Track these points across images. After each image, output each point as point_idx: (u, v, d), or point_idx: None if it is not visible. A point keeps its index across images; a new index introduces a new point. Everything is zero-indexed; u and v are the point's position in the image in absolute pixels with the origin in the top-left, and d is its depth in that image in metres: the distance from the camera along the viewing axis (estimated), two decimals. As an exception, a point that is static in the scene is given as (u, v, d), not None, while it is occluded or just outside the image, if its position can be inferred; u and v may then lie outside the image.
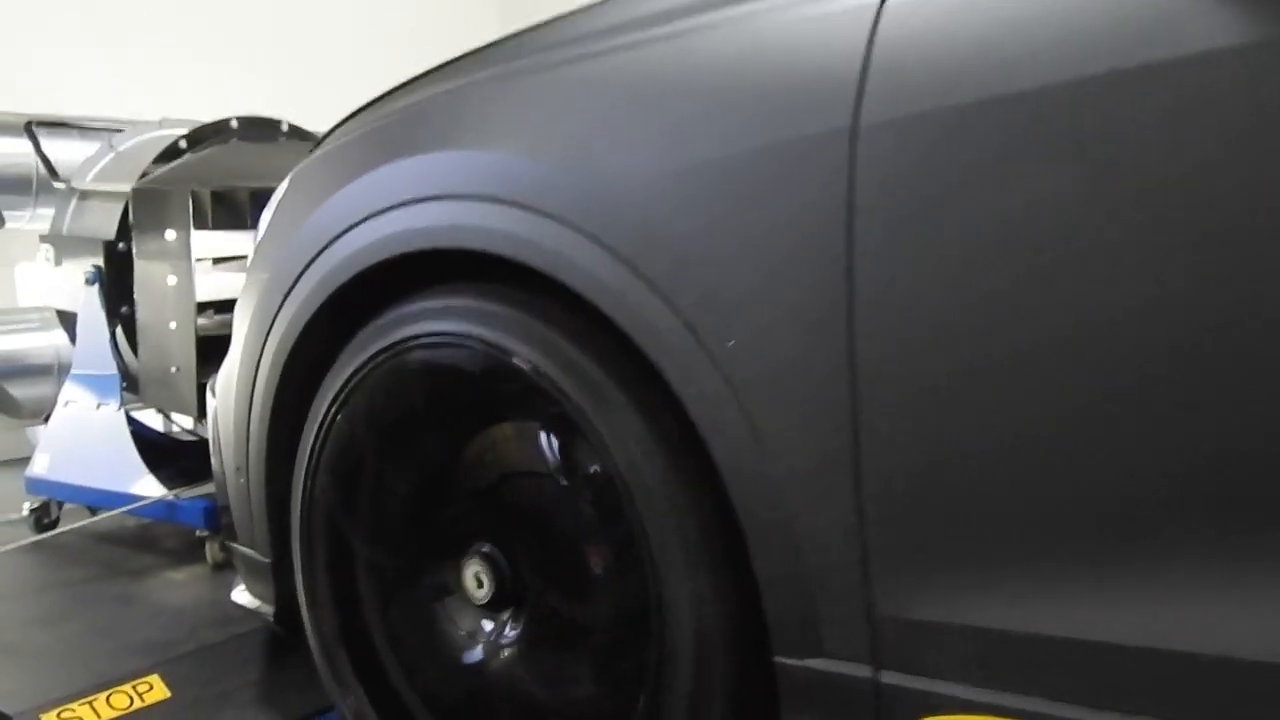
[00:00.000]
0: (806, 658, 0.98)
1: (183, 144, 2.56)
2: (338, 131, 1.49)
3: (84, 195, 2.63)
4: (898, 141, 0.88)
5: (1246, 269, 0.75)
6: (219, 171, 2.32)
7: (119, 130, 3.08)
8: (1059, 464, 0.84)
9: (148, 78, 4.23)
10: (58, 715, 1.59)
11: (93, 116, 3.64)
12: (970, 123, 0.85)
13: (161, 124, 2.98)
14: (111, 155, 2.70)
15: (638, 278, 1.01)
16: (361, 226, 1.28)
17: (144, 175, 2.49)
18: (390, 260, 1.25)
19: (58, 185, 2.76)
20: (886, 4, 0.91)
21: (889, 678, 0.94)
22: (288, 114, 3.43)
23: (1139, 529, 0.81)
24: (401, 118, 1.32)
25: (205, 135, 2.62)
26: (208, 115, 3.66)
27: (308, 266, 1.35)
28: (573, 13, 1.19)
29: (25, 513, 2.67)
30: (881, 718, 0.95)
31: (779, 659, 1.00)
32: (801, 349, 0.93)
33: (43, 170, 2.91)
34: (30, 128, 2.90)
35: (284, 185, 1.52)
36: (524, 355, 1.12)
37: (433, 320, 1.22)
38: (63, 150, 3.19)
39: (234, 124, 2.66)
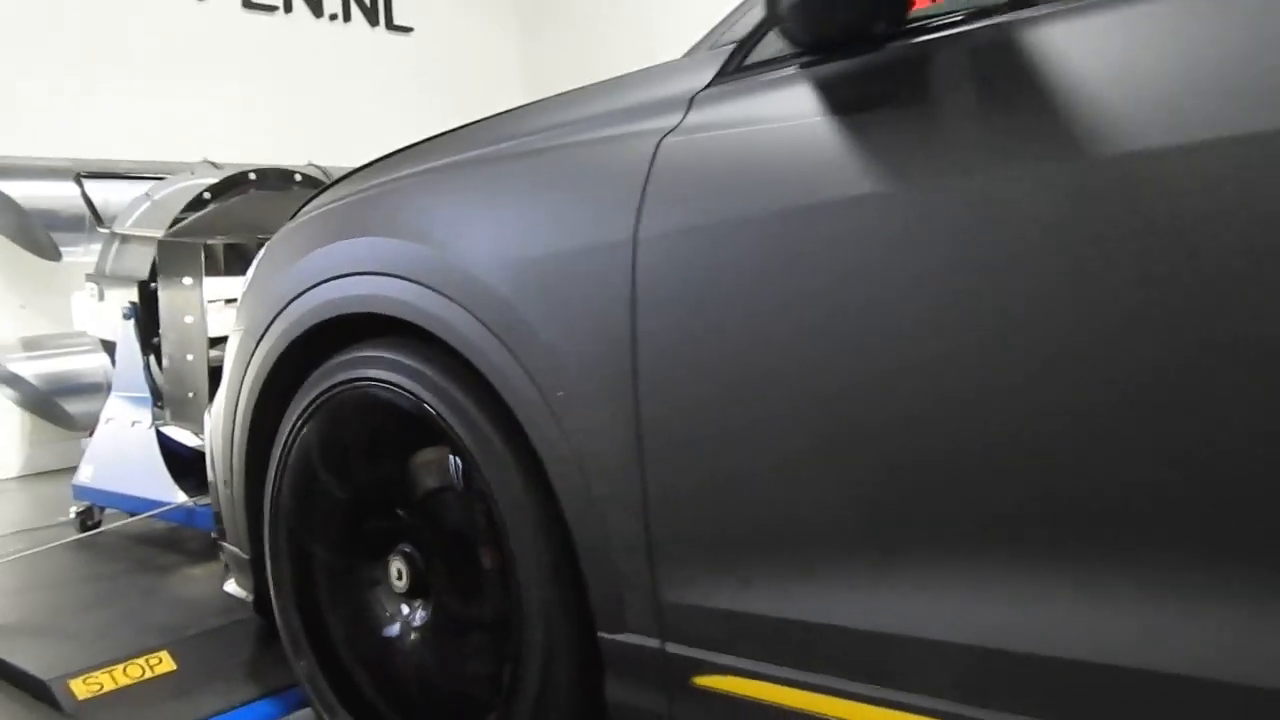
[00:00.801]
0: (617, 633, 1.29)
1: (207, 195, 2.93)
2: (301, 211, 1.83)
3: (123, 239, 3.02)
4: (665, 249, 1.19)
5: (920, 359, 1.03)
6: (233, 223, 2.69)
7: (160, 178, 3.48)
8: (779, 501, 1.14)
9: (192, 120, 4.64)
10: (83, 681, 1.95)
11: (140, 161, 4.06)
12: (722, 237, 1.15)
13: (194, 171, 3.37)
14: (148, 204, 3.09)
15: (501, 343, 1.33)
16: (311, 291, 1.62)
17: (174, 223, 2.87)
18: (333, 319, 1.58)
19: (101, 230, 3.16)
20: (663, 141, 1.22)
21: (671, 647, 1.24)
22: (327, 149, 3.83)
23: (843, 541, 1.11)
24: (343, 205, 1.66)
25: (227, 186, 2.99)
26: (250, 154, 4.09)
27: (273, 320, 1.69)
28: (455, 129, 1.51)
29: (72, 515, 3.06)
30: (667, 676, 1.26)
31: (600, 634, 1.31)
32: (604, 406, 1.23)
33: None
34: (79, 178, 3.31)
35: (261, 252, 1.86)
36: (430, 401, 1.44)
37: (365, 368, 1.54)
38: (112, 192, 3.61)
39: (252, 176, 3.02)
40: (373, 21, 5.46)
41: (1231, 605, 0.87)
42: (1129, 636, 0.92)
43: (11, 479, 4.17)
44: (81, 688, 1.94)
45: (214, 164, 4.18)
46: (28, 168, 3.77)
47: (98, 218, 3.22)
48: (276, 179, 3.09)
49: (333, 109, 5.17)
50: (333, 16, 5.30)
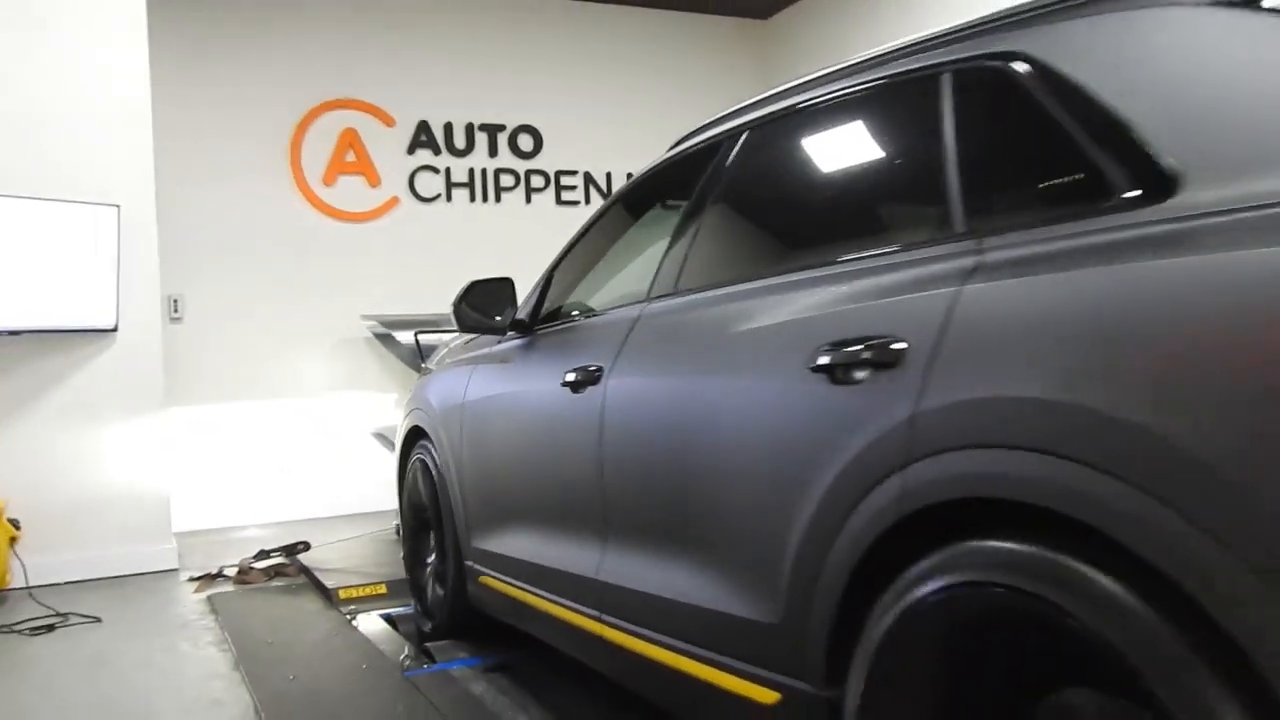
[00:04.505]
0: (466, 560, 3.19)
1: (465, 347, 5.18)
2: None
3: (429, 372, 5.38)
4: (471, 407, 3.10)
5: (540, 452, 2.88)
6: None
7: (464, 329, 5.86)
8: (495, 505, 2.99)
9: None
10: (344, 591, 4.17)
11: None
12: (483, 404, 3.06)
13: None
14: (444, 350, 5.42)
15: (438, 434, 3.32)
16: (411, 413, 3.70)
17: (448, 362, 5.16)
18: (413, 429, 3.65)
19: (423, 365, 5.56)
20: (477, 365, 3.15)
21: (475, 565, 3.12)
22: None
23: (519, 523, 2.93)
24: (433, 372, 3.74)
25: (478, 341, 5.22)
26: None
27: (403, 423, 3.80)
28: (458, 346, 3.52)
29: (394, 525, 5.43)
30: (474, 578, 3.13)
31: (463, 561, 3.22)
32: (456, 459, 3.17)
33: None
34: (416, 334, 5.77)
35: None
36: (426, 460, 3.45)
37: (417, 449, 3.59)
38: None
39: (491, 335, 5.23)
40: (649, 202, 7.66)
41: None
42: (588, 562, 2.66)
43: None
44: (344, 593, 4.16)
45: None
46: (406, 322, 6.36)
47: (422, 357, 5.64)
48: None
49: (618, 266, 7.40)
50: (619, 202, 7.58)
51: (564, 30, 7.47)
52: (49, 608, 4.19)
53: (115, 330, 4.87)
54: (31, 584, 4.54)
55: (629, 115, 7.54)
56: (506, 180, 7.27)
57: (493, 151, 7.24)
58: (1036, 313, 1.25)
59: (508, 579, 2.86)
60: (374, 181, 6.89)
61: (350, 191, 6.82)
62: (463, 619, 3.32)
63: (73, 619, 4.05)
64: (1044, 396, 1.17)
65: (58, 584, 4.66)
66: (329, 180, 6.76)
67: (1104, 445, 1.09)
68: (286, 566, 4.76)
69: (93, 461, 4.91)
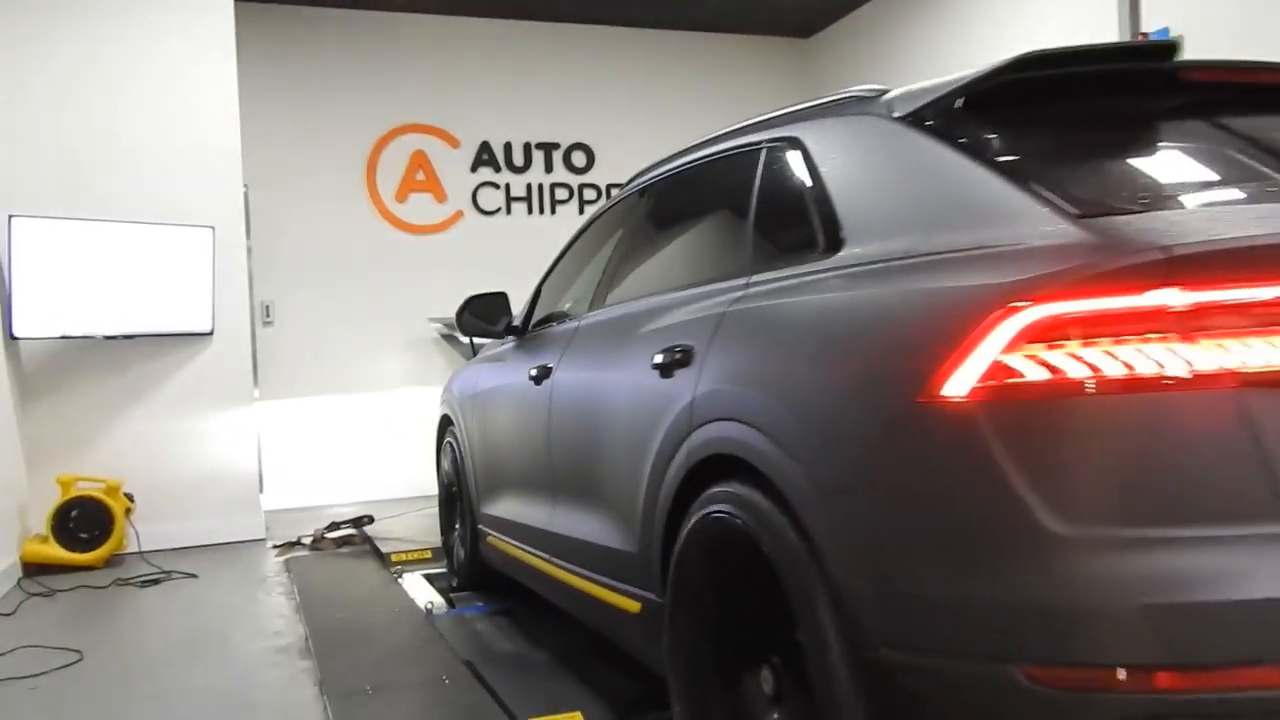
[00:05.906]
0: (478, 525, 3.89)
1: (509, 346, 5.89)
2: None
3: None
4: (481, 395, 3.79)
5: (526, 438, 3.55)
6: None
7: (514, 331, 6.58)
8: (497, 477, 3.67)
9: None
10: (395, 555, 4.91)
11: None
12: (487, 392, 3.74)
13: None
14: (486, 348, 6.13)
15: (458, 413, 4.01)
16: (444, 403, 4.40)
17: (495, 360, 5.88)
18: (444, 416, 4.36)
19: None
20: (487, 360, 3.83)
21: (484, 529, 3.81)
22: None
23: (512, 492, 3.60)
24: (460, 368, 4.44)
25: (521, 341, 5.92)
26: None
27: (441, 409, 4.51)
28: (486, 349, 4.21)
29: (451, 504, 6.18)
30: (483, 538, 3.81)
31: (476, 525, 3.90)
32: (469, 437, 3.86)
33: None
34: (472, 341, 6.48)
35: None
36: (449, 440, 4.14)
37: (446, 433, 4.29)
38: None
39: (532, 336, 5.93)
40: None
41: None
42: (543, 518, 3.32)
43: (462, 492, 7.54)
44: (395, 557, 4.90)
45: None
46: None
47: (474, 351, 6.36)
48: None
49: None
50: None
51: (614, 53, 8.12)
52: (156, 566, 5.04)
53: (211, 334, 5.72)
54: (143, 548, 5.40)
55: (676, 131, 8.07)
56: (561, 194, 7.96)
57: (548, 168, 7.93)
58: (746, 328, 1.85)
59: (503, 537, 3.53)
60: (441, 197, 7.66)
61: (420, 207, 7.60)
62: (478, 574, 4.00)
63: (175, 575, 4.88)
64: (737, 385, 1.77)
65: (164, 549, 5.52)
66: (401, 197, 7.56)
67: (757, 413, 1.68)
68: (353, 536, 5.53)
69: (193, 446, 5.77)
